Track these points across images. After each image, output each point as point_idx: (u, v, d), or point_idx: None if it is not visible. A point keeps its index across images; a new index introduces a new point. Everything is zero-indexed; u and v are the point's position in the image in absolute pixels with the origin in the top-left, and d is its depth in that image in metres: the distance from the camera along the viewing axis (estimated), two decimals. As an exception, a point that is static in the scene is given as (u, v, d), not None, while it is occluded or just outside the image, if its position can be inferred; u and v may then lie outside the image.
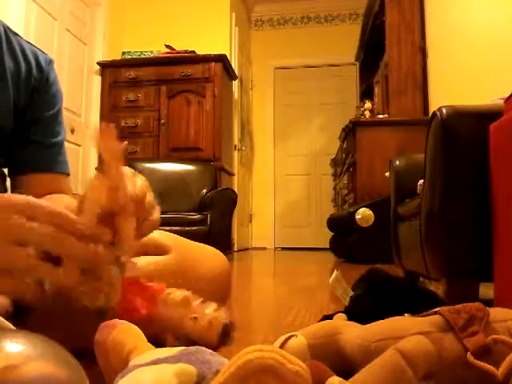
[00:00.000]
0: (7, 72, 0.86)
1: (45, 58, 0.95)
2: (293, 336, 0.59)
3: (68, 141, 3.90)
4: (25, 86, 0.90)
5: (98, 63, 4.38)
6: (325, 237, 4.83)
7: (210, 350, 0.46)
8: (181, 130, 4.28)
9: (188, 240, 0.86)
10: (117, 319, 0.53)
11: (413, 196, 1.74)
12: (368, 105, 4.40)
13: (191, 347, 0.48)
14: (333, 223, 4.15)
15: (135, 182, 0.54)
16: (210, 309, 0.69)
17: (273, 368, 0.35)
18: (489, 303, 0.71)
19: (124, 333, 0.51)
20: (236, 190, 4.31)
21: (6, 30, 0.89)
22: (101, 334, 0.51)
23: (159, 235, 0.81)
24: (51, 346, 0.36)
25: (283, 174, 6.25)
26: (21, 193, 0.48)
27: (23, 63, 0.90)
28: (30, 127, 0.93)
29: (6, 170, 0.97)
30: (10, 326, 0.47)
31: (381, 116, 4.01)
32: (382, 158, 3.36)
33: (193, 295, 0.67)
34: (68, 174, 0.98)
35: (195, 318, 0.66)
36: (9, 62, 0.87)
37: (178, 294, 0.65)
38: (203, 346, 0.51)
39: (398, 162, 2.08)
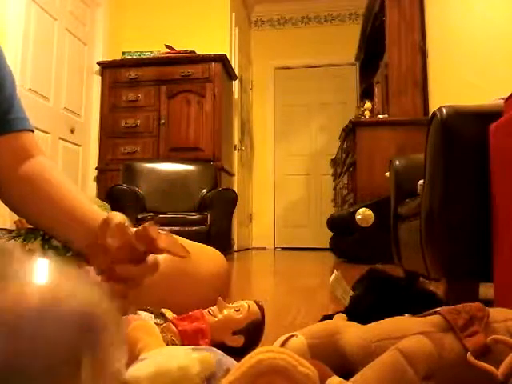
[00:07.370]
0: None
1: None
2: (293, 336, 0.59)
3: (68, 141, 3.90)
4: None
5: (98, 63, 4.38)
6: (325, 237, 4.84)
7: (222, 352, 0.47)
8: (181, 130, 4.28)
9: (186, 240, 0.85)
10: (132, 315, 0.55)
11: (413, 196, 1.74)
12: (368, 105, 4.39)
13: (203, 346, 0.49)
14: (333, 223, 4.15)
15: None
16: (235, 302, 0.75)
17: (284, 370, 0.35)
18: (489, 303, 0.71)
19: (138, 330, 0.52)
20: (236, 190, 4.31)
21: None
22: None
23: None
24: (85, 283, 0.35)
25: (283, 173, 6.24)
26: None
27: None
28: None
29: None
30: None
31: (381, 116, 4.01)
32: (382, 158, 3.36)
33: (221, 299, 0.72)
34: (32, 131, 0.87)
35: (237, 310, 0.71)
36: None
37: (213, 308, 0.71)
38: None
39: (397, 162, 2.08)
